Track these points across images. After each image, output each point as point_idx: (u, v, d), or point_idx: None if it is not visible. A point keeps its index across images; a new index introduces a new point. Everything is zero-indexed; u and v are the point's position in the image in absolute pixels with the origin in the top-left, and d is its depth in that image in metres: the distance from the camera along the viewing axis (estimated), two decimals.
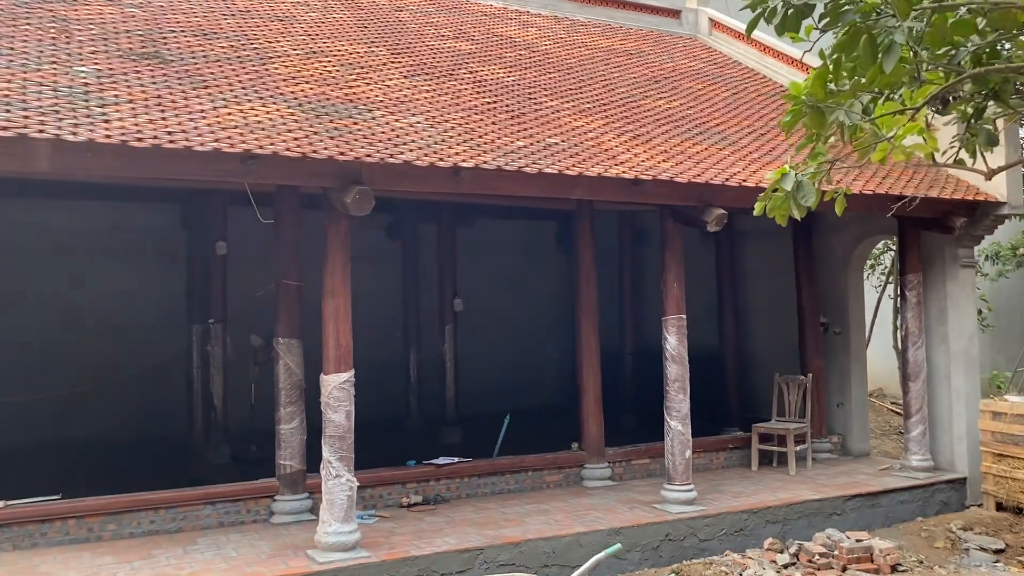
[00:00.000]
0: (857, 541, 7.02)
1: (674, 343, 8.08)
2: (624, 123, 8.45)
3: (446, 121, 7.09)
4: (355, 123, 6.50)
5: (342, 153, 5.88)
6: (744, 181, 7.63)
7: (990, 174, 5.28)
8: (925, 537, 7.80)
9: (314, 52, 7.98)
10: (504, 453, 8.98)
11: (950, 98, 4.24)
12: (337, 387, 6.48)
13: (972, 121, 4.11)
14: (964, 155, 5.33)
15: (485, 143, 6.81)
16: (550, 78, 9.41)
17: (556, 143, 7.30)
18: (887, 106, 3.36)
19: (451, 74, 8.53)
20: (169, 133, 5.46)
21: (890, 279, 14.15)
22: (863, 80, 3.55)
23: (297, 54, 7.78)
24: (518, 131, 7.37)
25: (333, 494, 6.42)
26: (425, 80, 8.09)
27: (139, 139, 5.28)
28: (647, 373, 12.69)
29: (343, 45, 8.45)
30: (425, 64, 8.62)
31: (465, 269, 12.84)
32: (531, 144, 7.11)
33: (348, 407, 6.52)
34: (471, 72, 8.79)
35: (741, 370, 11.51)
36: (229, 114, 6.02)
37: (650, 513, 7.64)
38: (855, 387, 10.59)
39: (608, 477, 8.92)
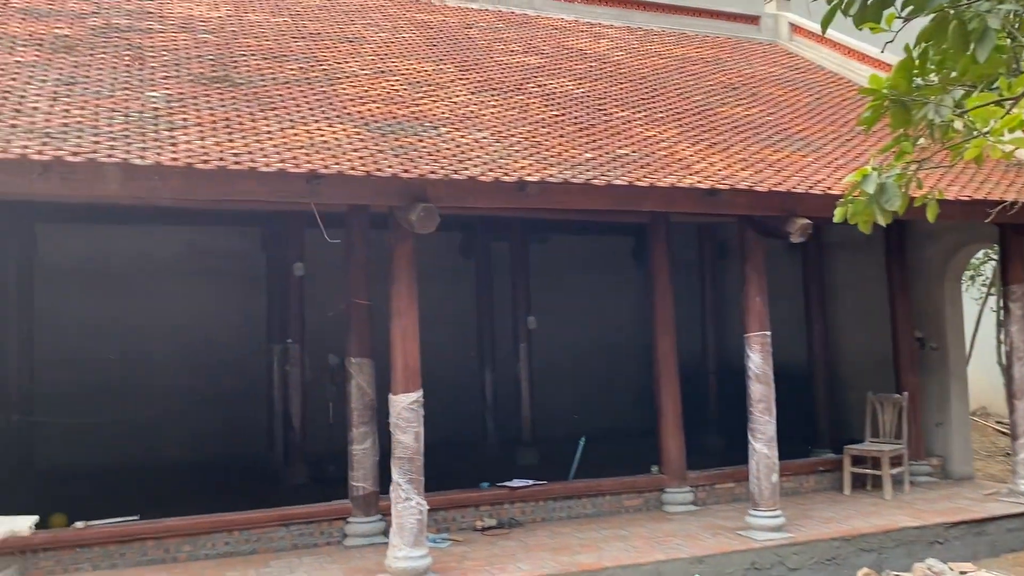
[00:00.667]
0: (961, 573, 6.50)
1: (758, 361, 7.70)
2: (699, 132, 8.16)
3: (512, 135, 6.95)
4: (420, 140, 6.42)
5: (406, 171, 5.80)
6: (829, 189, 7.24)
7: None
8: None
9: (382, 71, 7.98)
10: (581, 476, 8.72)
11: None
12: (406, 407, 6.37)
13: None
14: None
15: (552, 156, 6.64)
16: (621, 89, 9.19)
17: (626, 154, 7.07)
18: (982, 98, 3.04)
19: (519, 88, 8.41)
20: (235, 155, 5.47)
21: (992, 290, 13.31)
22: (954, 73, 3.24)
23: (365, 74, 7.79)
24: (586, 143, 7.17)
25: (403, 517, 6.29)
26: (492, 95, 7.99)
27: (205, 161, 5.30)
28: (731, 392, 12.20)
29: (411, 64, 8.43)
30: (492, 80, 8.52)
31: (539, 287, 12.68)
32: (600, 156, 6.90)
33: (417, 428, 6.39)
34: (539, 86, 8.65)
35: (831, 389, 10.94)
36: (295, 135, 6.02)
37: (735, 540, 7.26)
38: (955, 405, 9.93)
39: (690, 502, 8.55)
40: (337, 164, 5.62)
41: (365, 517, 7.31)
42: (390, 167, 5.77)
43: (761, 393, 7.63)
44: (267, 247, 11.76)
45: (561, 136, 7.23)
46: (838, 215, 3.49)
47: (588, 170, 6.51)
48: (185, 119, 5.93)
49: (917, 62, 3.36)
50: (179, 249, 11.68)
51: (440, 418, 12.71)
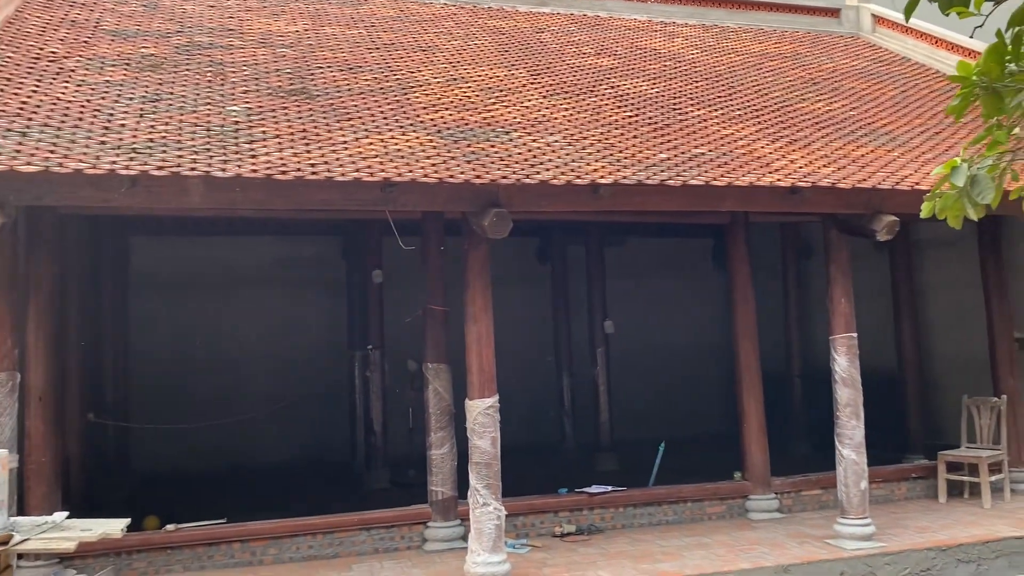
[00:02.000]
0: None
1: (844, 364, 7.43)
2: (779, 128, 7.94)
3: (584, 138, 6.90)
4: (492, 146, 6.42)
5: (478, 176, 5.81)
6: (916, 184, 6.95)
7: None
8: None
9: (454, 79, 8.03)
10: (661, 482, 8.57)
11: None
12: (482, 412, 6.37)
13: None
14: None
15: (625, 158, 6.56)
16: (697, 87, 9.03)
17: (702, 153, 6.93)
18: None
19: (591, 91, 8.34)
20: (312, 165, 5.58)
21: None
22: None
23: (438, 82, 7.85)
24: (661, 143, 7.06)
25: (481, 523, 6.29)
26: (564, 99, 7.95)
27: (283, 172, 5.42)
28: (817, 397, 11.85)
29: (483, 70, 8.46)
30: (565, 83, 8.48)
31: (616, 290, 12.59)
32: (675, 156, 6.78)
33: (493, 433, 6.39)
34: (612, 87, 8.56)
35: (923, 392, 10.50)
36: (370, 144, 6.10)
37: (822, 549, 7.01)
38: None
39: (775, 509, 8.31)
40: (410, 171, 5.67)
41: (444, 522, 7.33)
42: (462, 173, 5.79)
43: (848, 397, 7.36)
44: (347, 255, 12.01)
45: (635, 137, 7.14)
46: (925, 210, 3.31)
47: (663, 171, 6.41)
48: (264, 132, 6.08)
49: (1010, 47, 3.17)
50: (263, 259, 12.02)
51: (518, 423, 12.83)
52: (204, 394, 11.37)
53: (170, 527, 6.86)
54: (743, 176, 6.51)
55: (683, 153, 6.87)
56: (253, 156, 5.59)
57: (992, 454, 8.60)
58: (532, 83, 8.30)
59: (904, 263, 10.69)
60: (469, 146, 6.36)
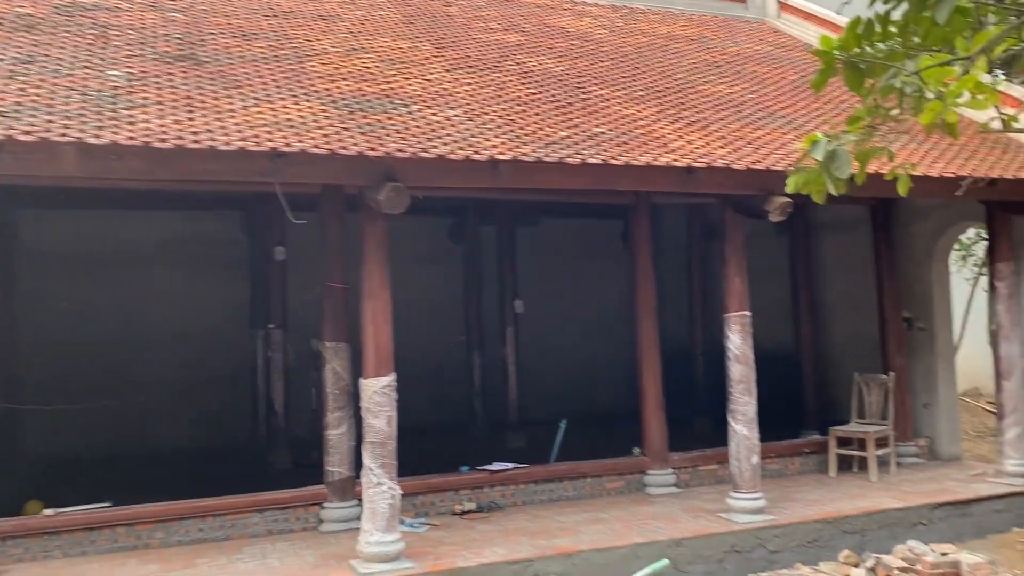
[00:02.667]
0: (942, 555, 6.41)
1: (738, 342, 7.59)
2: (679, 110, 8.01)
3: (485, 114, 6.81)
4: (389, 118, 6.28)
5: (372, 149, 5.67)
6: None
7: None
8: (1021, 550, 7.09)
9: (355, 49, 7.82)
10: (566, 458, 8.63)
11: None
12: (378, 391, 6.26)
13: None
14: None
15: (526, 135, 6.51)
16: (602, 67, 9.03)
17: (603, 132, 6.94)
18: (937, 57, 2.90)
19: (496, 67, 8.25)
20: (194, 133, 5.34)
21: (983, 270, 13.19)
22: (917, 39, 3.11)
23: (337, 52, 7.64)
24: (562, 121, 7.03)
25: (375, 502, 6.20)
26: (468, 73, 7.83)
27: (163, 140, 5.18)
28: (719, 374, 12.11)
29: (386, 41, 8.27)
30: (469, 57, 8.36)
31: (528, 270, 12.60)
32: (576, 135, 6.77)
33: (390, 412, 6.29)
34: (518, 64, 8.49)
35: (819, 370, 10.85)
36: (259, 113, 5.89)
37: (715, 523, 7.17)
38: (942, 386, 9.83)
39: (672, 484, 8.47)
40: (300, 142, 5.49)
41: (341, 502, 7.22)
42: (355, 145, 5.64)
43: (741, 374, 7.53)
44: (249, 231, 11.66)
45: (537, 115, 7.09)
46: (790, 184, 3.35)
47: (562, 148, 6.38)
48: (146, 98, 5.79)
49: (879, 27, 3.23)
50: (162, 235, 11.57)
51: (428, 402, 12.80)
52: (100, 375, 10.92)
53: (49, 511, 6.55)
54: (640, 156, 6.53)
55: (584, 132, 6.86)
56: (131, 123, 5.32)
57: (879, 429, 8.94)
58: (436, 56, 8.15)
59: (802, 244, 10.99)
60: (365, 118, 6.20)
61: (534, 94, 7.63)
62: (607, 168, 6.37)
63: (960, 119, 6.63)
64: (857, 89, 3.10)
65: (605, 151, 6.50)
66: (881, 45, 3.15)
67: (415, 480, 7.64)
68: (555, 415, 10.45)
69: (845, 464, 9.17)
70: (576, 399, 12.98)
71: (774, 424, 10.06)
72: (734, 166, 6.73)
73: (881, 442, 8.97)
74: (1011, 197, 8.28)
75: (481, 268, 12.18)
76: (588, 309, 13.56)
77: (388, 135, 5.95)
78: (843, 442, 9.11)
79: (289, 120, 5.83)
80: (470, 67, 8.03)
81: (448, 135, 6.19)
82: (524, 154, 6.09)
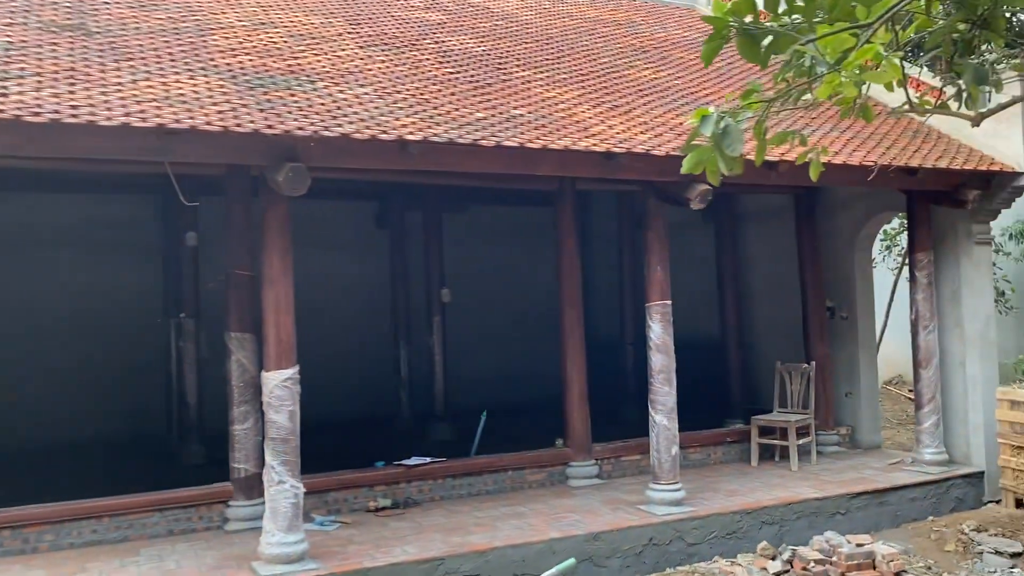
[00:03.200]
0: (858, 546, 6.38)
1: (658, 331, 7.47)
2: (602, 94, 7.82)
3: (398, 92, 6.51)
4: (292, 95, 5.94)
5: (270, 126, 5.33)
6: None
7: (978, 119, 4.58)
8: (935, 539, 7.12)
9: (262, 24, 7.42)
10: (492, 451, 8.40)
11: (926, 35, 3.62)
12: (279, 385, 5.94)
13: (956, 57, 3.45)
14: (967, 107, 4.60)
15: (439, 115, 6.22)
16: (526, 48, 8.78)
17: (521, 115, 6.70)
18: (837, 26, 2.74)
19: (414, 45, 7.93)
20: (73, 107, 4.93)
21: (907, 260, 13.37)
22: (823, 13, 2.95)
23: (243, 26, 7.23)
24: (480, 102, 6.77)
25: (276, 502, 5.89)
26: (382, 51, 7.50)
27: (36, 113, 4.76)
28: (648, 363, 12.05)
29: (297, 16, 7.88)
30: (386, 35, 8.03)
31: (457, 257, 12.33)
32: (493, 116, 6.51)
33: (292, 407, 5.97)
34: (437, 43, 8.19)
35: (744, 359, 10.84)
36: (149, 87, 5.49)
37: (634, 515, 7.04)
38: (864, 375, 9.89)
39: (595, 475, 8.33)
40: (190, 118, 5.12)
41: (247, 500, 6.88)
42: (251, 122, 5.29)
43: (661, 364, 7.41)
44: (162, 216, 11.14)
45: (453, 94, 6.81)
46: (686, 165, 3.16)
47: (477, 130, 6.12)
48: (23, 69, 5.34)
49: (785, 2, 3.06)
50: (71, 218, 10.98)
51: (354, 393, 12.47)
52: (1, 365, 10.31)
53: None
54: (559, 140, 6.32)
55: (501, 114, 6.61)
56: (3, 95, 4.88)
57: (800, 418, 8.94)
58: (350, 33, 7.80)
59: (728, 232, 10.95)
60: (266, 94, 5.84)
61: (452, 74, 7.35)
62: (523, 151, 6.14)
63: (880, 107, 6.56)
64: (753, 58, 2.92)
65: (522, 134, 6.27)
66: (787, 20, 2.99)
67: (328, 476, 7.36)
68: (483, 406, 10.25)
69: (768, 453, 9.15)
70: (506, 389, 12.79)
71: (700, 413, 10.04)
72: (654, 152, 6.56)
73: (802, 431, 8.97)
74: (931, 187, 8.32)
75: (408, 256, 11.86)
76: (518, 298, 13.35)
77: (290, 113, 5.61)
78: (765, 431, 9.09)
79: (181, 95, 5.45)
80: (385, 45, 7.69)
81: (355, 114, 5.87)
82: (436, 135, 5.81)
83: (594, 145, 6.38)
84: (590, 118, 7.01)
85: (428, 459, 7.91)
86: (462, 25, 9.01)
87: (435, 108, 6.34)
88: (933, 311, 8.63)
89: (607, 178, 6.86)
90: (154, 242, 11.06)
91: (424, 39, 8.18)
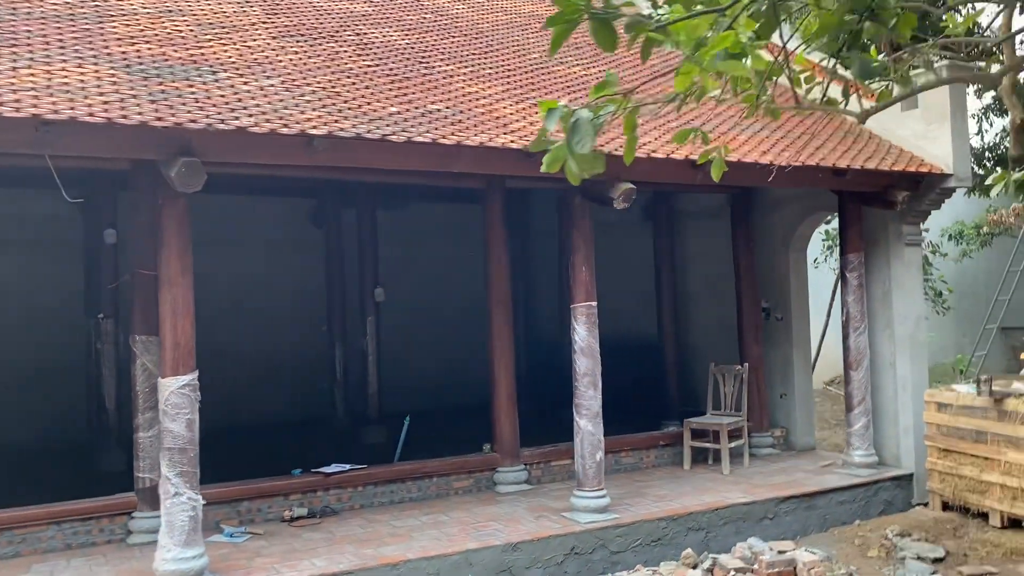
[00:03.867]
0: (780, 553, 6.25)
1: (583, 333, 7.29)
2: (527, 90, 7.61)
3: (307, 84, 6.22)
4: (190, 86, 5.63)
5: (159, 118, 5.02)
6: (653, 152, 6.81)
7: (863, 115, 4.45)
8: (859, 544, 7.03)
9: (168, 11, 7.08)
10: (426, 456, 8.14)
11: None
12: (175, 392, 5.63)
13: (843, 49, 3.30)
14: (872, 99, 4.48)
15: (349, 109, 5.96)
16: (452, 42, 8.53)
17: (438, 110, 6.46)
18: (691, 10, 2.54)
19: (333, 36, 7.64)
20: None
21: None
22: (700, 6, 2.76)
23: (147, 13, 6.88)
24: (396, 97, 6.51)
25: (172, 515, 5.58)
26: (297, 42, 7.20)
27: None
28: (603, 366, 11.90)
29: (207, 4, 7.54)
30: (303, 25, 7.72)
31: (393, 257, 12.10)
32: (407, 111, 6.26)
33: (190, 415, 5.66)
34: (358, 34, 7.90)
35: (681, 360, 10.72)
36: (30, 75, 5.15)
37: (557, 523, 6.85)
38: (798, 376, 9.83)
39: (524, 481, 8.13)
40: (71, 108, 4.80)
41: (152, 512, 6.51)
42: (139, 114, 4.98)
43: (586, 367, 7.23)
44: (85, 212, 10.70)
45: (367, 88, 6.54)
46: (545, 164, 2.95)
47: (388, 125, 5.86)
48: None
49: None
50: None
51: (289, 396, 12.14)
52: None
53: None
54: (475, 136, 6.09)
55: (417, 108, 6.36)
56: None
57: (732, 420, 8.83)
58: (265, 22, 7.48)
59: (666, 232, 10.82)
60: (160, 85, 5.52)
61: (369, 66, 7.07)
62: (436, 148, 5.89)
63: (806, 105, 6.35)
64: (606, 44, 2.72)
65: (436, 129, 6.02)
66: (654, 11, 2.79)
67: (241, 485, 7.07)
68: (419, 408, 10.01)
69: (702, 456, 9.04)
70: (443, 391, 12.57)
71: (637, 415, 9.90)
72: None
73: (735, 434, 8.86)
74: (861, 188, 8.26)
75: (345, 254, 11.57)
76: (457, 297, 13.10)
77: (184, 104, 5.31)
78: (698, 434, 8.96)
79: (65, 84, 5.11)
80: (301, 35, 7.39)
81: (257, 106, 5.58)
82: (342, 129, 5.54)
83: (511, 142, 6.16)
84: (511, 114, 6.80)
85: (347, 466, 7.63)
86: (388, 17, 8.72)
87: (345, 102, 6.07)
88: (864, 312, 8.57)
89: (526, 176, 6.61)
90: (76, 239, 10.62)
91: (345, 30, 7.88)
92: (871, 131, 8.84)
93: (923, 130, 8.37)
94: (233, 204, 11.96)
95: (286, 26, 7.51)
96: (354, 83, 6.54)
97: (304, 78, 6.35)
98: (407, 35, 8.31)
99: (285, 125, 5.38)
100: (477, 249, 13.02)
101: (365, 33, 7.96)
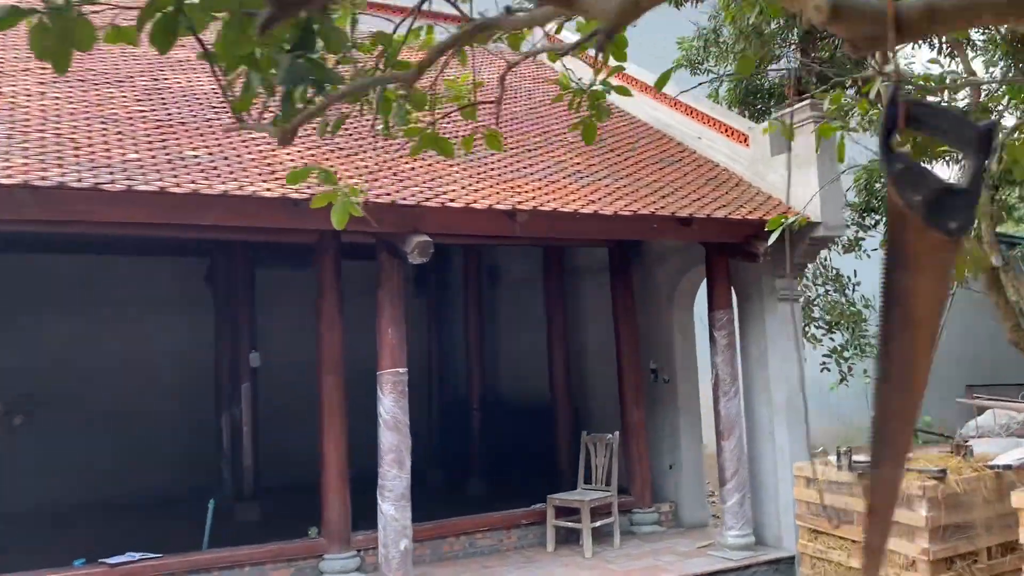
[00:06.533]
0: None
1: (389, 404, 6.51)
2: (328, 138, 6.94)
3: (41, 132, 5.57)
4: None
5: None
6: (451, 201, 6.10)
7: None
8: None
9: None
10: (283, 537, 7.31)
11: None
12: None
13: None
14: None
15: (75, 157, 5.29)
16: None
17: (197, 156, 5.79)
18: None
19: (123, 83, 7.02)
20: None
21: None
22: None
23: None
24: (150, 143, 5.85)
25: None
26: (73, 87, 6.58)
27: None
28: (499, 430, 11.08)
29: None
30: (95, 71, 7.09)
31: (279, 317, 11.43)
32: (153, 158, 5.59)
33: None
34: (157, 80, 7.28)
35: (575, 425, 9.84)
36: None
37: None
38: (686, 444, 8.93)
39: (355, 569, 7.24)
40: None
41: None
42: None
43: (392, 443, 6.43)
44: None
45: (117, 135, 5.87)
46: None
47: (113, 172, 5.19)
48: None
49: None
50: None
51: (172, 467, 11.34)
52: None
53: None
54: (224, 183, 5.40)
55: (167, 155, 5.69)
56: None
57: (599, 496, 7.94)
58: (44, 69, 6.90)
59: (557, 290, 10.09)
60: None
61: (139, 112, 6.43)
62: (166, 197, 5.20)
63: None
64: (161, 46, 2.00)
65: (174, 176, 5.34)
66: None
67: None
68: (297, 483, 9.20)
69: (574, 536, 8.11)
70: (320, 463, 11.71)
71: (526, 488, 8.97)
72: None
73: (602, 511, 7.96)
74: (719, 238, 7.49)
75: (238, 315, 10.88)
76: (347, 360, 12.31)
77: None
78: (564, 511, 8.06)
79: None
80: (85, 82, 6.78)
81: None
82: (44, 178, 4.88)
83: (267, 190, 5.47)
84: (292, 160, 6.12)
85: (138, 556, 6.80)
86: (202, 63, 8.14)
87: (77, 149, 5.42)
88: (735, 375, 7.73)
89: (296, 229, 5.90)
90: None
91: (146, 75, 7.30)
92: (741, 177, 8.11)
93: (793, 176, 7.63)
94: (128, 265, 11.44)
95: (74, 71, 6.92)
96: (105, 130, 5.90)
97: (43, 125, 5.72)
98: (213, 80, 7.70)
99: None
100: (362, 307, 12.38)
101: (169, 79, 7.37)
